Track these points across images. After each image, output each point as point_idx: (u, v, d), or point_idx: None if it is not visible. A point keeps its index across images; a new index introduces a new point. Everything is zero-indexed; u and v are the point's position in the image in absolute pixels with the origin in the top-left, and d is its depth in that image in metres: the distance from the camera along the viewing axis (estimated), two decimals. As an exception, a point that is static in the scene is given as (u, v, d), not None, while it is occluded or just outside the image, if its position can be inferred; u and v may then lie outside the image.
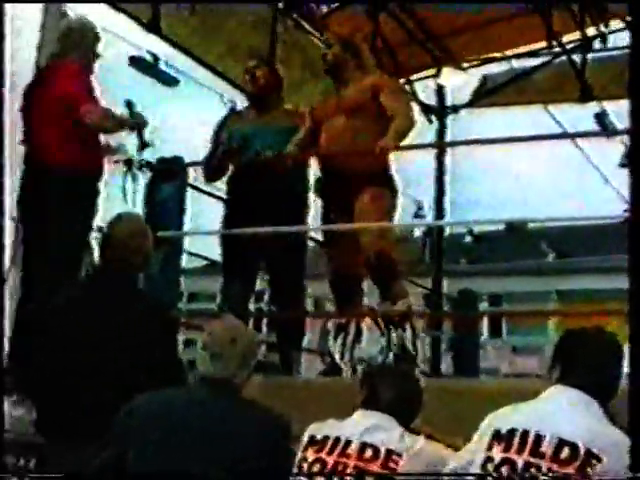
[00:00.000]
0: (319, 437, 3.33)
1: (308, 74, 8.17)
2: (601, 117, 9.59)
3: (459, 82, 10.16)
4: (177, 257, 6.23)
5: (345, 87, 5.85)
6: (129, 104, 5.45)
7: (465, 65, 9.96)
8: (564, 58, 9.19)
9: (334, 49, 5.92)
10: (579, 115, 9.90)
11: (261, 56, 6.40)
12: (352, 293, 5.86)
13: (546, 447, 2.87)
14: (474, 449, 3.04)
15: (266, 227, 5.70)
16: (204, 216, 6.89)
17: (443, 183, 10.46)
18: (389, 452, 3.24)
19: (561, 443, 2.86)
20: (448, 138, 10.62)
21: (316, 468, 3.25)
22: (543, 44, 9.23)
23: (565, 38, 9.05)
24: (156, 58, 8.15)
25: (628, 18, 7.88)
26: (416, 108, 9.18)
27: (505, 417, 3.03)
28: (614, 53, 8.90)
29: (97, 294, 3.87)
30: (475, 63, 10.04)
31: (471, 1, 8.57)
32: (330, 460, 3.26)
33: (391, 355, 5.51)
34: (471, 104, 10.50)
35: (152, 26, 7.07)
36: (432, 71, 10.02)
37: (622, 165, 9.90)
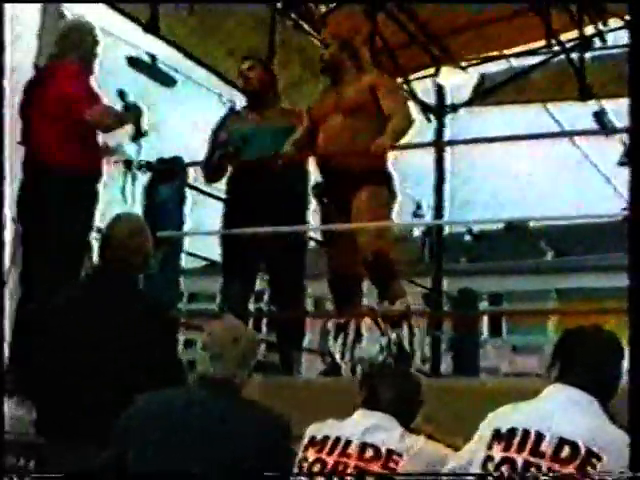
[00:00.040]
0: (319, 437, 3.33)
1: (308, 74, 8.16)
2: (600, 116, 9.59)
3: (458, 81, 10.15)
4: (177, 257, 6.23)
5: (342, 87, 5.85)
6: (121, 93, 5.43)
7: (464, 64, 9.95)
8: (563, 57, 9.18)
9: (331, 49, 5.93)
10: (578, 114, 9.91)
11: (254, 56, 6.39)
12: (351, 293, 5.86)
13: (546, 446, 2.87)
14: (474, 448, 3.04)
15: (266, 227, 5.70)
16: (204, 216, 6.90)
17: (442, 182, 10.45)
18: (390, 452, 3.24)
19: (561, 442, 2.86)
20: (447, 137, 10.61)
21: (316, 468, 3.25)
22: (542, 43, 9.23)
23: (564, 37, 9.04)
24: (154, 59, 8.14)
25: (627, 17, 7.89)
26: (415, 107, 9.21)
27: (505, 416, 3.03)
28: (613, 52, 8.91)
29: (97, 294, 3.87)
30: (474, 62, 10.03)
31: (469, 0, 8.56)
32: (330, 460, 3.26)
33: (389, 355, 5.51)
34: (470, 103, 10.49)
35: (150, 26, 7.06)
36: (431, 70, 10.01)
37: (621, 164, 9.91)
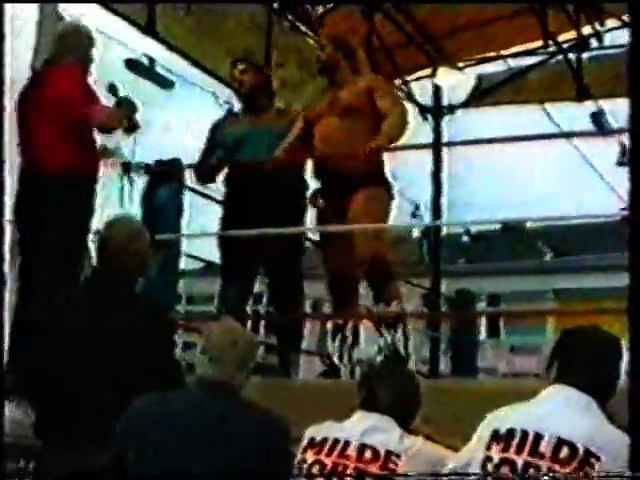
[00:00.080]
0: (318, 439, 3.34)
1: (306, 74, 8.16)
2: (597, 116, 9.59)
3: (455, 82, 10.15)
4: (175, 259, 6.23)
5: (339, 88, 5.85)
6: (112, 87, 5.42)
7: (461, 65, 9.96)
8: (560, 57, 9.19)
9: (327, 50, 5.93)
10: (575, 114, 9.92)
11: (246, 58, 6.38)
12: (349, 294, 5.86)
13: (545, 447, 2.87)
14: (473, 449, 3.04)
15: (263, 229, 5.69)
16: (202, 218, 6.90)
17: (440, 183, 10.46)
18: (388, 453, 3.24)
19: (560, 442, 2.86)
20: (445, 138, 10.61)
21: (315, 470, 3.25)
22: (539, 43, 9.24)
23: (561, 37, 9.05)
24: (152, 61, 8.15)
25: (624, 17, 7.90)
26: (412, 108, 9.21)
27: (504, 417, 3.03)
28: (610, 52, 8.91)
29: (95, 297, 3.86)
30: (471, 63, 10.04)
31: (469, 0, 8.56)
32: (329, 462, 3.26)
33: (383, 357, 5.51)
34: (467, 104, 10.49)
35: (148, 28, 7.06)
36: (428, 71, 10.02)
37: (620, 163, 9.92)
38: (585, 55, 9.04)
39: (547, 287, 21.40)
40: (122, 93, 5.43)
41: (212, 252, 6.38)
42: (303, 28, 8.67)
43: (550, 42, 9.10)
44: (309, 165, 6.08)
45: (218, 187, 6.39)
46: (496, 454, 2.94)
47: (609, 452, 2.83)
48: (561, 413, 2.96)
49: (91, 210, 5.25)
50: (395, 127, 5.64)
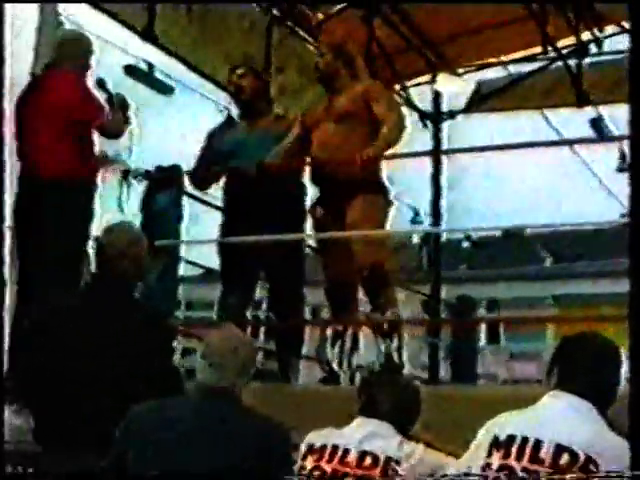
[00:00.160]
0: (318, 445, 3.33)
1: (306, 80, 8.16)
2: (597, 122, 9.59)
3: (455, 88, 10.15)
4: (175, 265, 6.22)
5: (337, 95, 5.85)
6: (101, 82, 5.40)
7: (461, 71, 9.95)
8: (560, 63, 9.19)
9: (326, 57, 5.92)
10: (575, 120, 9.92)
11: (245, 64, 6.37)
12: (347, 301, 5.85)
13: (545, 453, 2.86)
14: (473, 456, 3.03)
15: (263, 235, 5.68)
16: (201, 224, 6.89)
17: (440, 189, 10.45)
18: (388, 459, 3.24)
19: (560, 449, 2.85)
20: (444, 144, 10.60)
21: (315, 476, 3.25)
22: (539, 49, 9.23)
23: (560, 43, 9.05)
24: (151, 66, 8.15)
25: (623, 22, 7.91)
26: (411, 114, 9.22)
27: (504, 423, 3.02)
28: (610, 58, 8.92)
29: (95, 302, 3.86)
30: (471, 69, 10.04)
31: (467, 1, 8.55)
32: (329, 468, 3.25)
33: (379, 365, 5.50)
34: (467, 110, 10.49)
35: (147, 34, 7.05)
36: (428, 77, 10.01)
37: (620, 170, 9.92)
38: (585, 61, 9.04)
39: (547, 293, 21.41)
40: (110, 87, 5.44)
41: (212, 258, 6.37)
42: (303, 34, 8.67)
43: (550, 48, 9.10)
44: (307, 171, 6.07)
45: (217, 194, 6.38)
46: (496, 461, 2.93)
47: (609, 458, 2.83)
48: (561, 419, 2.96)
49: (90, 215, 5.25)
50: (392, 133, 5.62)
